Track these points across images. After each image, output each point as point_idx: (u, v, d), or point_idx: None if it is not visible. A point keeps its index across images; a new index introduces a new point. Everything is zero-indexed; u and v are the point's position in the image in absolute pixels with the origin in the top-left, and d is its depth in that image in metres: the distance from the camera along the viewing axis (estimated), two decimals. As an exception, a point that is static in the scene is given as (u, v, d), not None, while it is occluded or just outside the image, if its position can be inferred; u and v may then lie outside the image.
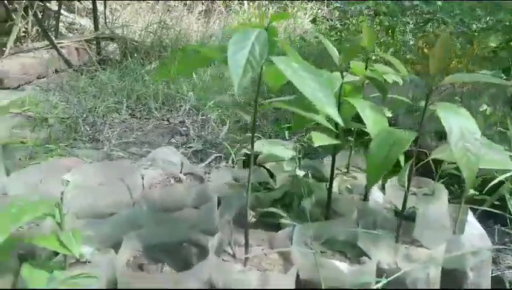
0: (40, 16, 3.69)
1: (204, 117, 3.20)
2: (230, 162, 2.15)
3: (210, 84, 3.80)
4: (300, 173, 1.27)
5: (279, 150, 1.36)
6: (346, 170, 1.54)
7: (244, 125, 2.98)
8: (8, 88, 3.14)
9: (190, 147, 2.68)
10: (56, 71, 3.85)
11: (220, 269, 0.95)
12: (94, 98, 3.47)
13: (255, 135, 2.55)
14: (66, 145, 2.64)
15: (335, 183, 1.34)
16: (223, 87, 3.71)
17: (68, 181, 1.27)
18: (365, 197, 1.37)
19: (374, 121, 1.03)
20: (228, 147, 2.25)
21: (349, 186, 1.40)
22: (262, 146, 2.29)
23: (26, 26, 3.78)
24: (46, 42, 3.87)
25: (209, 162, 2.20)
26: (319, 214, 1.24)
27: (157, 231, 1.03)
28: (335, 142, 1.12)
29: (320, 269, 0.94)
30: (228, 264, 0.98)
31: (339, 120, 0.84)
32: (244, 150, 2.22)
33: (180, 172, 1.42)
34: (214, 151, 2.45)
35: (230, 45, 0.77)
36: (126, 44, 4.43)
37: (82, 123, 2.93)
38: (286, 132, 2.73)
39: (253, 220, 1.24)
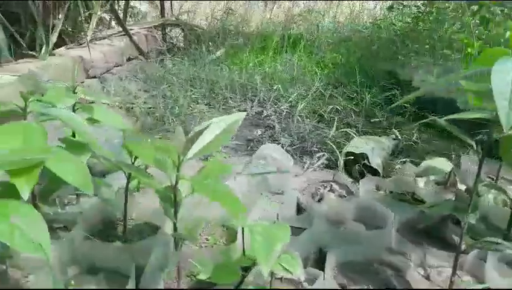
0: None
1: (284, 107, 3.16)
2: (336, 164, 2.11)
3: (281, 74, 3.74)
4: (462, 186, 1.24)
5: (439, 163, 1.33)
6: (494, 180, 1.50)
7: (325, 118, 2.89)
8: (94, 77, 3.19)
9: (278, 142, 2.66)
10: (129, 59, 3.89)
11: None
12: (171, 87, 3.49)
13: (348, 130, 2.53)
14: (159, 137, 2.67)
15: (490, 196, 1.30)
16: (296, 77, 3.64)
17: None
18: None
19: None
20: (333, 145, 2.21)
21: (506, 198, 1.36)
22: (366, 144, 2.25)
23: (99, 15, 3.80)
24: (118, 29, 3.90)
25: (317, 164, 2.17)
26: (484, 230, 1.21)
27: (350, 250, 1.02)
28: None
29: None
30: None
31: None
32: (347, 149, 2.19)
33: (332, 180, 1.41)
34: (315, 148, 2.41)
35: (494, 73, 0.74)
36: (191, 30, 4.42)
37: (169, 114, 2.95)
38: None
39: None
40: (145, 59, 4.05)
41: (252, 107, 3.47)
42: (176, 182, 0.80)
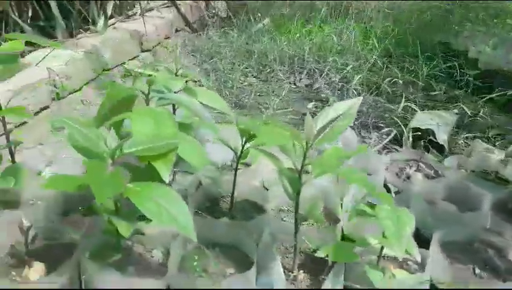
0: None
1: (336, 79, 3.12)
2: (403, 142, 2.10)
3: (330, 44, 3.65)
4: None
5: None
6: None
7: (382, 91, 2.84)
8: (148, 50, 3.23)
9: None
10: (176, 30, 3.90)
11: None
12: (221, 60, 3.50)
13: (410, 104, 2.49)
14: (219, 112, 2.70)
15: None
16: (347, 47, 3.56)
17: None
18: None
19: None
20: (399, 122, 2.20)
21: None
22: (431, 120, 2.22)
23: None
24: (164, 1, 3.90)
25: (386, 141, 2.15)
26: None
27: (452, 230, 1.05)
28: None
29: None
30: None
31: None
32: (413, 125, 2.16)
33: (420, 160, 1.42)
34: (377, 124, 2.40)
35: None
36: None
37: (224, 89, 2.98)
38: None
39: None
40: (192, 31, 4.05)
41: (300, 79, 3.45)
42: (302, 166, 0.83)
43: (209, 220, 1.04)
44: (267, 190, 1.20)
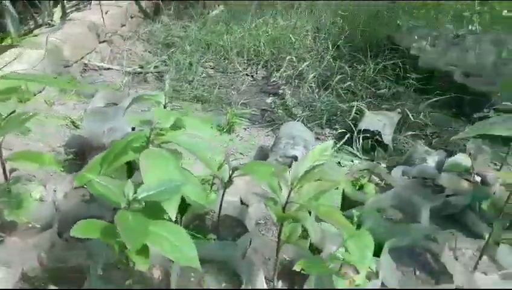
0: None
1: (291, 73, 3.28)
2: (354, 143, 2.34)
3: (284, 37, 3.78)
4: None
5: (461, 159, 1.57)
6: None
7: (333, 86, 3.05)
8: (104, 41, 3.20)
9: (289, 111, 2.83)
10: (131, 17, 3.86)
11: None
12: (177, 48, 3.53)
13: (359, 103, 2.73)
14: (179, 106, 2.79)
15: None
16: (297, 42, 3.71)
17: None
18: None
19: None
20: (350, 123, 2.43)
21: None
22: (378, 121, 2.47)
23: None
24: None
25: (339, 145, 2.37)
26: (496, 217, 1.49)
27: (400, 239, 1.29)
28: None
29: None
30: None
31: None
32: (363, 127, 2.39)
33: (372, 171, 1.64)
34: (333, 121, 2.61)
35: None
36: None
37: (184, 83, 3.05)
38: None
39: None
40: (147, 17, 4.03)
41: (257, 71, 3.60)
42: (286, 203, 1.01)
43: (202, 242, 1.20)
44: (247, 206, 1.38)
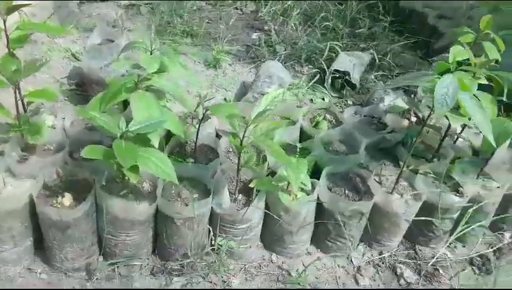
0: None
1: (277, 7, 3.42)
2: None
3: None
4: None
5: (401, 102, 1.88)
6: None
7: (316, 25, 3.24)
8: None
9: (273, 48, 3.05)
10: None
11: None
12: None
13: (335, 43, 2.95)
14: (171, 40, 3.01)
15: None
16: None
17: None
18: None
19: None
20: (324, 64, 2.68)
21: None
22: (349, 62, 2.72)
23: None
24: None
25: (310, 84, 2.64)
26: (423, 151, 1.82)
27: (337, 166, 1.64)
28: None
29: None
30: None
31: None
32: (334, 67, 2.65)
33: (327, 110, 1.94)
34: (313, 58, 2.85)
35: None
36: None
37: (175, 17, 3.23)
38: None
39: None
40: None
41: (246, 4, 3.74)
42: (243, 137, 1.35)
43: (182, 164, 1.55)
44: (219, 137, 1.71)
